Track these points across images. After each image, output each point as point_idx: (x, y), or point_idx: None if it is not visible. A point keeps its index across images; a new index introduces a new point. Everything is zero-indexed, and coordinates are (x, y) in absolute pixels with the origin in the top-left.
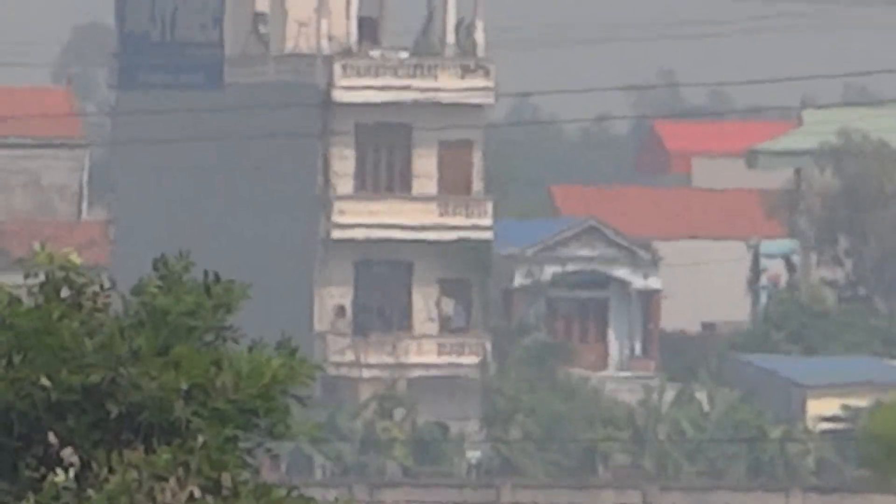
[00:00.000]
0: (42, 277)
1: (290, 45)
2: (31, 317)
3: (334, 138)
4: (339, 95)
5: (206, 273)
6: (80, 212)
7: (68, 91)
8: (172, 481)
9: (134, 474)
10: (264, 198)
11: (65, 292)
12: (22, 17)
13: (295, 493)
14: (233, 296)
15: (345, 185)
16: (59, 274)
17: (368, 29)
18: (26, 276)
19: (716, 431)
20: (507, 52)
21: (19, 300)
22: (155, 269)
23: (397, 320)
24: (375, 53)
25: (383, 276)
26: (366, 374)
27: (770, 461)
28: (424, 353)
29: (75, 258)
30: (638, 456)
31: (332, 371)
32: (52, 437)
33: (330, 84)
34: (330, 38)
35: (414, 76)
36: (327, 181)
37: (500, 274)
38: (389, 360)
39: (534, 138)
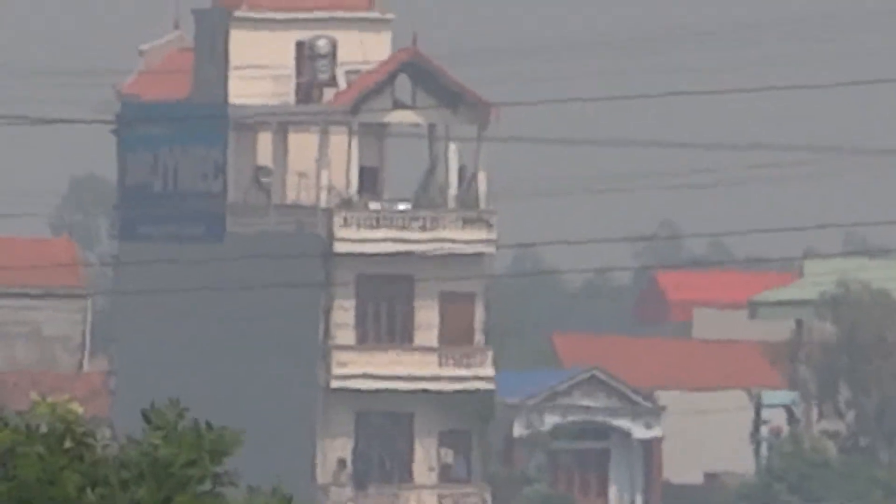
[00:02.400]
0: (44, 428)
1: (291, 196)
2: (34, 468)
3: (336, 289)
4: (340, 246)
5: (195, 422)
6: (82, 362)
7: (69, 241)
8: None
9: None
10: (265, 348)
11: (67, 443)
12: (18, 168)
13: None
14: (226, 442)
15: (346, 336)
16: (61, 425)
17: (369, 180)
18: (28, 428)
19: None
20: (509, 202)
21: (25, 442)
22: (147, 419)
23: (398, 471)
24: (376, 205)
25: (384, 427)
26: None
27: None
28: None
29: (76, 408)
30: None
31: None
32: None
33: (331, 235)
34: (330, 190)
35: (415, 227)
36: (328, 331)
37: (502, 424)
38: None
39: (535, 287)
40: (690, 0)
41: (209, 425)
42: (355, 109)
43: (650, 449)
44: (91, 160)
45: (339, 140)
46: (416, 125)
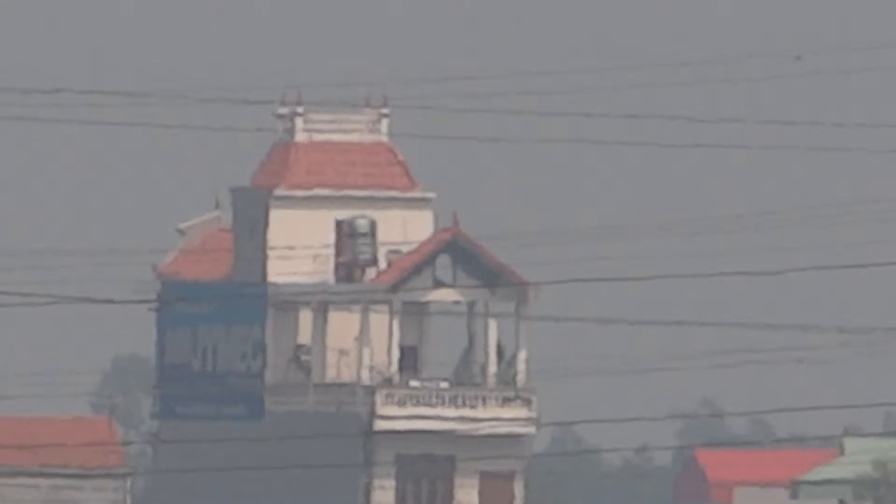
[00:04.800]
0: None
1: (330, 374)
2: None
3: (375, 468)
4: (381, 425)
5: None
6: None
7: (110, 420)
8: None
9: None
10: None
11: None
12: (60, 347)
13: None
14: None
15: None
16: None
17: (409, 358)
18: None
19: None
20: (548, 380)
21: None
22: None
23: None
24: (416, 383)
25: None
26: None
27: None
28: None
29: None
30: None
31: None
32: None
33: (371, 413)
34: (371, 368)
35: (455, 406)
36: None
37: None
38: None
39: (575, 466)
40: (726, 183)
41: None
42: (396, 288)
43: None
44: (134, 339)
45: (379, 319)
46: (457, 303)
